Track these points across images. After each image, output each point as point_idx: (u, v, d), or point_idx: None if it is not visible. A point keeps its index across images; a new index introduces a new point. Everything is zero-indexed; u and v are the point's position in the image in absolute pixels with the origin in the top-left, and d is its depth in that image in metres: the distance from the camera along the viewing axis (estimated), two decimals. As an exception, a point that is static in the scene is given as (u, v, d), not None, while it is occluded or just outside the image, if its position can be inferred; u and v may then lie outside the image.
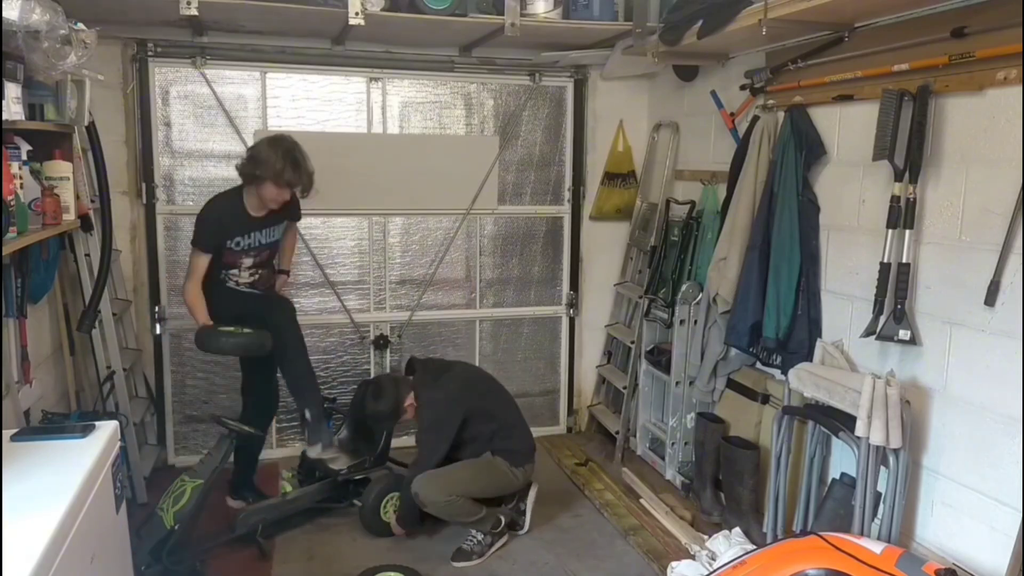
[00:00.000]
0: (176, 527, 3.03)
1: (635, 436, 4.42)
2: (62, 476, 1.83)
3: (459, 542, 3.42)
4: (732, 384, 3.81)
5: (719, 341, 3.72)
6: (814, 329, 3.27)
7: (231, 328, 3.39)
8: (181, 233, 4.15)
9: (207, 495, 3.16)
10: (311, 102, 4.23)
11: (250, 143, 4.12)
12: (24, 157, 2.70)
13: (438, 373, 3.57)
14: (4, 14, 2.29)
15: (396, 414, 3.49)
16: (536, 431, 3.89)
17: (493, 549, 3.42)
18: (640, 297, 4.31)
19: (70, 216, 2.99)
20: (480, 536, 3.41)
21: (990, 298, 2.50)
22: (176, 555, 3.05)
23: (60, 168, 2.93)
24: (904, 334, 2.78)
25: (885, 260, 2.81)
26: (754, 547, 2.96)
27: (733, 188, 3.59)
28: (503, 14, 3.62)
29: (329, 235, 4.39)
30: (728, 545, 3.09)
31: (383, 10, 3.47)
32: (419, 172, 4.39)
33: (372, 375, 4.49)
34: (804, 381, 2.99)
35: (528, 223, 4.71)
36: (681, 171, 4.36)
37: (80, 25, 2.69)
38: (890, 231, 2.79)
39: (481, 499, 3.41)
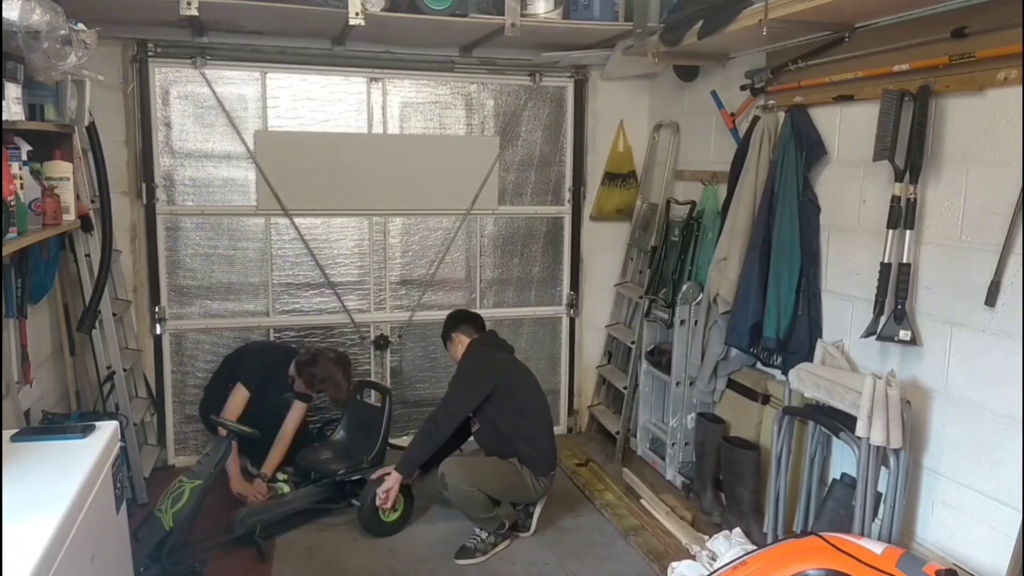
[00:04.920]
0: (175, 528, 3.03)
1: (635, 436, 4.42)
2: (62, 476, 1.83)
3: (462, 541, 3.43)
4: (732, 384, 3.81)
5: (719, 341, 3.72)
6: (814, 329, 3.27)
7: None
8: (181, 233, 4.16)
9: (206, 496, 3.15)
10: (311, 102, 4.23)
11: (250, 143, 4.14)
12: (24, 157, 2.70)
13: (496, 345, 3.75)
14: (4, 14, 2.29)
15: (444, 334, 3.79)
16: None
17: (497, 549, 3.43)
18: (640, 297, 4.31)
19: (70, 216, 2.99)
20: (484, 535, 3.42)
21: (990, 298, 2.50)
22: (175, 556, 3.05)
23: (60, 168, 2.93)
24: (904, 334, 2.77)
25: (885, 260, 2.81)
26: (754, 547, 2.96)
27: (733, 188, 3.58)
28: (503, 14, 3.62)
29: (329, 235, 4.39)
30: (728, 545, 3.09)
31: (383, 10, 3.46)
32: (419, 172, 4.39)
33: (372, 375, 4.50)
34: (804, 381, 2.99)
35: (528, 223, 4.71)
36: (681, 171, 4.35)
37: (80, 25, 2.70)
38: (891, 231, 2.79)
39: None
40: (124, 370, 3.66)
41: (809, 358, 3.16)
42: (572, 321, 4.85)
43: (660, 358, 4.14)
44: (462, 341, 3.68)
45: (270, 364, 3.93)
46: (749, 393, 3.68)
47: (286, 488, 3.76)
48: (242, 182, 4.20)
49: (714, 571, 2.79)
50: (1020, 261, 2.43)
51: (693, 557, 3.17)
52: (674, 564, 3.10)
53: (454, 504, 3.40)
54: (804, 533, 2.69)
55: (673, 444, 4.05)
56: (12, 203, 2.44)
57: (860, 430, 2.66)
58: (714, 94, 3.97)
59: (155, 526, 3.05)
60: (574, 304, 4.82)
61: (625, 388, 4.42)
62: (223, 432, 3.37)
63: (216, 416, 3.57)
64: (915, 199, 2.73)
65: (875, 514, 2.77)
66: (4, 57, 2.39)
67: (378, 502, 3.43)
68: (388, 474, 3.48)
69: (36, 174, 2.81)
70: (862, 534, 2.69)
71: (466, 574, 3.30)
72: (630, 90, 4.66)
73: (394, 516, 3.57)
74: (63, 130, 2.97)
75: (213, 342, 4.29)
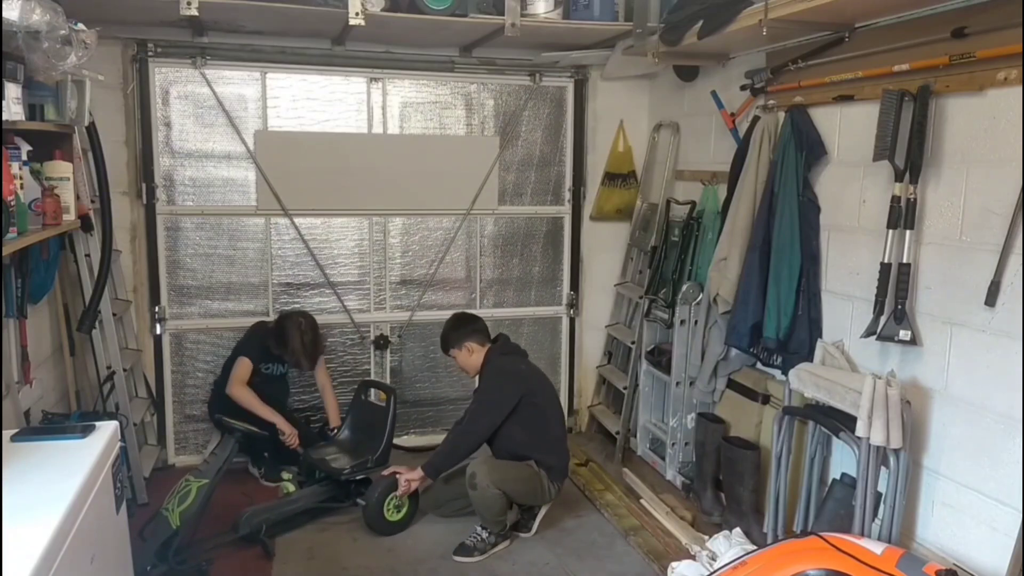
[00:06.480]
0: (181, 527, 3.03)
1: (635, 436, 4.42)
2: (62, 476, 1.84)
3: (461, 539, 3.43)
4: (732, 384, 3.81)
5: (719, 341, 3.72)
6: (815, 329, 3.27)
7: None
8: (181, 233, 4.16)
9: (212, 495, 3.16)
10: (311, 102, 4.23)
11: (250, 143, 4.14)
12: (24, 157, 2.70)
13: (514, 352, 3.75)
14: (4, 14, 2.29)
15: (453, 343, 3.69)
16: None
17: (495, 549, 3.43)
18: (640, 297, 4.31)
19: (70, 216, 2.99)
20: (485, 534, 3.43)
21: (990, 298, 2.50)
22: (181, 555, 3.05)
23: (60, 168, 2.93)
24: (904, 334, 2.77)
25: (885, 260, 2.81)
26: (754, 547, 2.96)
27: (733, 188, 3.58)
28: (503, 14, 3.62)
29: (329, 235, 4.39)
30: (728, 545, 3.09)
31: (383, 10, 3.47)
32: (419, 172, 4.39)
33: (372, 375, 4.50)
34: (804, 381, 2.99)
35: (528, 223, 4.71)
36: (681, 171, 4.35)
37: (80, 25, 2.70)
38: (891, 231, 2.79)
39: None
40: (124, 370, 3.66)
41: (809, 358, 3.17)
42: (572, 321, 4.85)
43: (660, 358, 4.14)
44: (477, 351, 3.66)
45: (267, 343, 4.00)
46: (749, 393, 3.68)
47: (291, 487, 3.77)
48: (242, 182, 4.20)
49: (714, 571, 2.79)
50: (1020, 261, 2.43)
51: (693, 557, 3.17)
52: (674, 564, 3.10)
53: (474, 503, 3.41)
54: (804, 533, 2.69)
55: (673, 444, 4.05)
56: (12, 203, 2.44)
57: (860, 430, 2.66)
58: (714, 94, 3.97)
59: (162, 525, 3.05)
60: (574, 304, 4.82)
61: (625, 388, 4.42)
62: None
63: (223, 417, 3.59)
64: (915, 199, 2.73)
65: (875, 514, 2.77)
66: (4, 57, 2.39)
67: (398, 491, 3.50)
68: (399, 472, 3.54)
69: (36, 174, 2.81)
70: (862, 534, 2.69)
71: (466, 573, 3.30)
72: (630, 90, 4.66)
73: (398, 515, 3.58)
74: (63, 130, 2.97)
75: (213, 342, 4.29)
